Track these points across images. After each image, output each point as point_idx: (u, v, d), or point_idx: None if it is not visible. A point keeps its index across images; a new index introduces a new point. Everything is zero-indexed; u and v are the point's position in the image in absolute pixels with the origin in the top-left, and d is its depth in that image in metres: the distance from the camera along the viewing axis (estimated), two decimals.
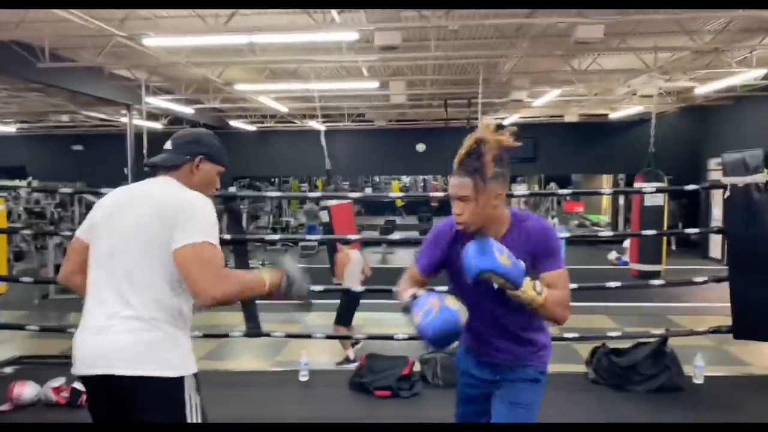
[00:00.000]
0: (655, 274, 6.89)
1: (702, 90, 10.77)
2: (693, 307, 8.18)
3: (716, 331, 4.21)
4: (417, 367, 4.37)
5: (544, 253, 2.04)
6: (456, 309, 1.89)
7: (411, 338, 4.20)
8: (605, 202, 22.15)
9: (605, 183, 21.90)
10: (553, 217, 19.13)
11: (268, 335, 4.29)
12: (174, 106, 12.42)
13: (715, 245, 13.86)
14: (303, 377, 4.41)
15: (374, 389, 4.13)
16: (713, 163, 14.08)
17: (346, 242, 6.20)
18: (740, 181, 3.88)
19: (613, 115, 15.05)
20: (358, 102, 13.89)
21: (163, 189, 2.01)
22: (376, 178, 28.90)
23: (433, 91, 11.59)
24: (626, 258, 13.61)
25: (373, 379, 4.17)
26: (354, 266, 6.12)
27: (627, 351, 4.34)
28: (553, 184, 22.17)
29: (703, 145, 14.75)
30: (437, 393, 4.18)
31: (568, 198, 22.39)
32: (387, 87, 10.99)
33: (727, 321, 4.16)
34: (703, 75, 10.28)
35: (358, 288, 5.13)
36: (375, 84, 10.15)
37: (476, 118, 14.70)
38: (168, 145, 2.14)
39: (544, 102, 11.99)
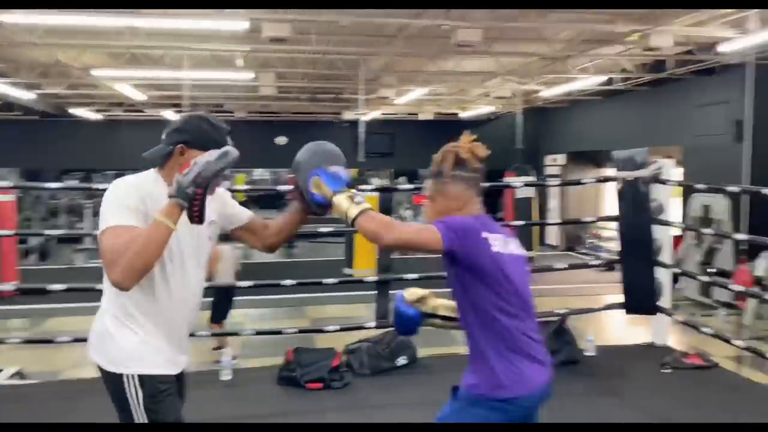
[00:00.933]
0: (530, 260, 7.54)
1: (547, 93, 11.90)
2: (549, 290, 9.03)
3: (610, 307, 4.78)
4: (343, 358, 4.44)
5: None
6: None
7: (342, 329, 4.25)
8: None
9: None
10: (407, 209, 19.96)
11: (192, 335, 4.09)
12: (10, 91, 11.12)
13: (551, 234, 15.40)
14: (225, 376, 4.27)
15: (306, 382, 4.14)
16: (549, 159, 15.60)
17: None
18: (630, 175, 4.44)
19: (464, 114, 16.06)
20: (218, 92, 13.45)
21: None
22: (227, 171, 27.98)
23: (304, 84, 11.58)
24: None
25: (303, 373, 4.16)
26: (227, 261, 6.09)
27: None
28: (402, 178, 23.07)
29: (540, 142, 16.24)
30: (366, 381, 4.29)
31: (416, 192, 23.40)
32: (254, 78, 10.78)
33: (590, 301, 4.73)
34: (550, 80, 11.35)
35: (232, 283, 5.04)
36: (250, 75, 9.93)
37: (339, 113, 14.97)
38: (162, 134, 2.07)
39: (408, 100, 12.48)
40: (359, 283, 5.34)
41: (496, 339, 1.99)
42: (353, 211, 1.93)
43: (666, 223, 4.63)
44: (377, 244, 1.98)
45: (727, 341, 4.21)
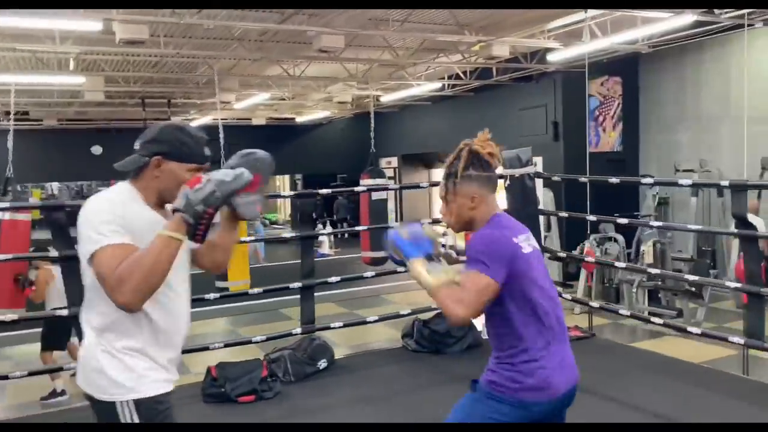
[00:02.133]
0: (384, 259, 7.71)
1: (388, 98, 12.46)
2: (398, 286, 9.33)
3: None
4: None
5: (467, 256, 2.06)
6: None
7: (269, 338, 4.17)
8: (280, 201, 23.42)
9: (278, 183, 23.16)
10: None
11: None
12: None
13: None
14: None
15: (237, 396, 4.01)
16: (384, 162, 16.29)
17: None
18: (516, 172, 4.92)
19: (300, 119, 16.12)
20: (25, 98, 11.99)
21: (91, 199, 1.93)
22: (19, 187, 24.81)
23: (137, 89, 10.83)
24: (322, 251, 14.86)
25: (233, 387, 4.03)
26: (59, 284, 5.62)
27: (434, 320, 5.07)
28: None
29: (376, 145, 16.88)
30: (294, 388, 4.27)
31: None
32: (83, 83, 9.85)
33: None
34: (390, 85, 11.89)
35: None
36: (80, 79, 9.07)
37: (168, 118, 14.14)
38: (136, 143, 1.95)
39: (249, 104, 12.26)
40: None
41: (522, 339, 2.00)
42: (428, 285, 2.01)
43: (543, 213, 5.21)
44: (453, 321, 2.00)
45: (615, 312, 4.88)
